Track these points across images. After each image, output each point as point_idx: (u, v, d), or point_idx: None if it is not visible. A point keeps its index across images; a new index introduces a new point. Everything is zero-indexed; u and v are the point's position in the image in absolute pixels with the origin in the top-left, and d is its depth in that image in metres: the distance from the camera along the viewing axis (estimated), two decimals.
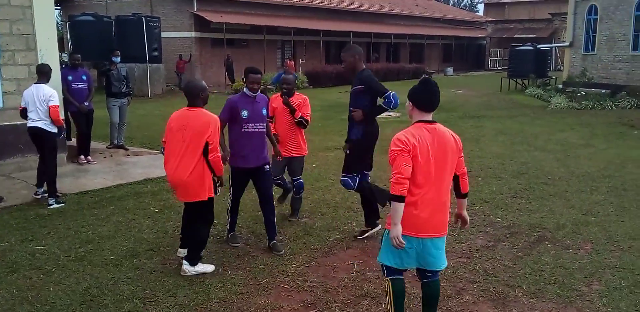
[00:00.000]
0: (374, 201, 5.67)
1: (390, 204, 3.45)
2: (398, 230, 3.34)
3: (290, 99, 6.02)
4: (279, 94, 6.15)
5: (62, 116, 7.23)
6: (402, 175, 3.33)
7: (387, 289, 3.67)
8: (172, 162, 4.68)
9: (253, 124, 5.20)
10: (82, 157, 9.13)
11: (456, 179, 3.62)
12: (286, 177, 6.40)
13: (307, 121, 6.07)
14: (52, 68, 7.26)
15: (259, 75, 5.21)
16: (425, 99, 3.51)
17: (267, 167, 5.39)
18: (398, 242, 3.34)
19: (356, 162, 5.51)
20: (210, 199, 4.79)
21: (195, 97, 4.68)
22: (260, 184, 5.41)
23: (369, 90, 5.31)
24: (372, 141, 5.55)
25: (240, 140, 5.21)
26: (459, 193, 3.72)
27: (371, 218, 5.72)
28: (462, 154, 3.60)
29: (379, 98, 5.35)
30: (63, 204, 6.74)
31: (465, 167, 3.68)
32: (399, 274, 3.64)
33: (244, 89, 5.27)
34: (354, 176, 5.52)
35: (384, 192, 5.58)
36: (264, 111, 5.34)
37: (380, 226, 5.68)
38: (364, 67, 5.44)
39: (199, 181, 4.64)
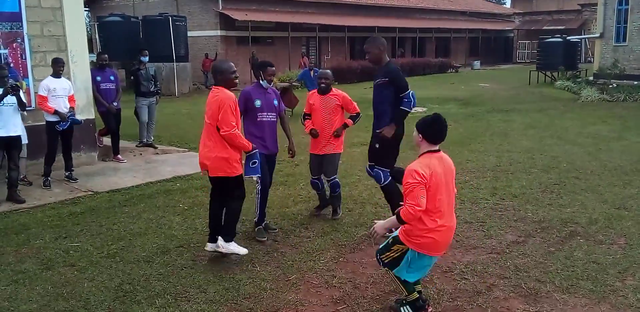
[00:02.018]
0: (393, 203, 5.61)
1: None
2: (384, 231, 3.87)
3: (327, 95, 6.00)
4: (314, 91, 6.15)
5: (57, 106, 7.57)
6: (420, 207, 3.58)
7: (393, 277, 3.95)
8: (201, 139, 4.92)
9: (266, 113, 5.49)
10: (120, 156, 9.30)
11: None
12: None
13: (359, 114, 6.12)
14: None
15: (274, 68, 5.57)
16: (437, 134, 3.79)
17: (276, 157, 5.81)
18: (375, 236, 3.92)
19: (389, 155, 5.49)
20: (238, 177, 4.88)
21: (215, 79, 4.88)
22: (267, 172, 5.65)
23: (392, 84, 5.26)
24: (400, 139, 5.52)
25: (257, 129, 5.46)
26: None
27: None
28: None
29: None
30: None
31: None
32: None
33: (260, 80, 5.54)
34: (387, 171, 5.50)
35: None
36: (275, 102, 5.60)
37: None
38: (389, 59, 5.42)
39: (221, 157, 4.76)
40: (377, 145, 5.49)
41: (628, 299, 4.16)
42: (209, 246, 5.10)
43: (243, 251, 4.99)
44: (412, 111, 5.52)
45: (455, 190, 3.92)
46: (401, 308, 3.98)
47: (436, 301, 4.20)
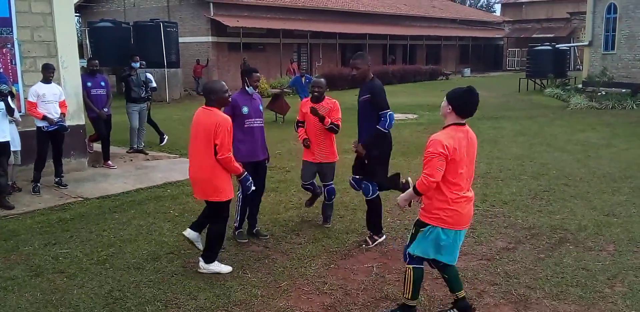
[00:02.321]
0: (373, 216, 5.61)
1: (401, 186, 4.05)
2: (407, 203, 3.87)
3: (321, 103, 5.92)
4: (308, 98, 6.10)
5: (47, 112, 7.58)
6: (434, 178, 3.59)
7: (408, 275, 3.92)
8: (190, 159, 4.88)
9: (254, 119, 5.53)
10: (110, 162, 9.27)
11: None
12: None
13: (337, 126, 5.96)
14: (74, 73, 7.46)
15: (259, 74, 5.65)
16: (467, 106, 3.71)
17: (267, 162, 5.88)
18: (401, 206, 3.90)
19: (380, 171, 5.44)
20: (226, 201, 4.83)
21: (208, 99, 4.76)
22: (259, 178, 5.63)
23: (373, 100, 5.24)
24: (389, 150, 5.52)
25: (245, 136, 5.45)
26: None
27: (377, 228, 5.64)
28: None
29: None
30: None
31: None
32: (421, 263, 3.95)
33: (246, 86, 5.55)
34: (375, 184, 5.48)
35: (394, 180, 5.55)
36: (261, 107, 5.66)
37: (385, 236, 5.66)
38: (372, 76, 5.38)
39: (211, 180, 4.71)
40: (366, 162, 5.48)
41: (617, 306, 4.19)
42: (187, 231, 5.01)
43: (226, 269, 4.91)
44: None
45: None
46: None
47: (427, 308, 4.21)
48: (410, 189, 3.79)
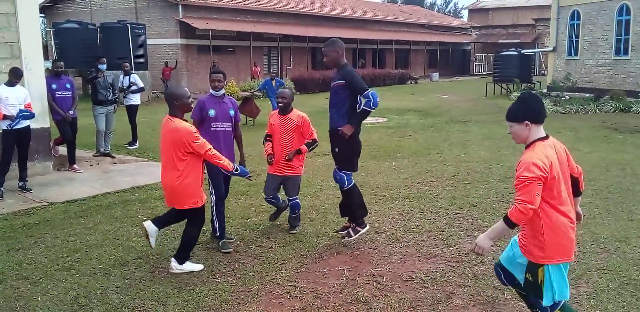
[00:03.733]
0: (354, 208, 5.62)
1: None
2: (489, 244, 3.41)
3: (288, 115, 5.84)
4: (276, 111, 6.00)
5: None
6: (533, 205, 3.17)
7: None
8: (162, 168, 4.87)
9: (220, 123, 5.45)
10: (76, 166, 9.10)
11: (575, 180, 3.53)
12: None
13: (315, 141, 5.93)
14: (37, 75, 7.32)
15: (219, 74, 5.46)
16: (542, 110, 3.37)
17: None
18: (481, 252, 3.40)
19: (351, 160, 5.49)
20: (194, 210, 4.87)
21: (172, 105, 4.76)
22: (226, 178, 5.65)
23: (349, 86, 5.26)
24: (358, 140, 5.51)
25: (211, 139, 5.33)
26: (577, 192, 3.58)
27: (359, 219, 5.63)
28: (570, 156, 3.53)
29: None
30: None
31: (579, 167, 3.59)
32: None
33: (210, 90, 5.52)
34: (350, 174, 5.51)
35: (362, 209, 5.63)
36: (231, 112, 5.56)
37: (368, 226, 5.69)
38: (345, 62, 5.42)
39: (182, 189, 4.73)
40: (337, 150, 5.48)
41: (582, 306, 4.28)
42: (148, 223, 4.98)
43: (198, 267, 4.96)
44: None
45: (579, 170, 3.57)
46: None
47: (397, 310, 4.23)
48: (498, 224, 3.33)
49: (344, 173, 5.48)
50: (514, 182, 3.28)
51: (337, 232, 5.83)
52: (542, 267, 3.32)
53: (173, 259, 4.93)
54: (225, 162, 4.89)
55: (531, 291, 3.47)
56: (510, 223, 3.21)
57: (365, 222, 5.68)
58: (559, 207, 3.28)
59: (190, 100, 4.82)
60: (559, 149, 3.38)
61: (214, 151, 4.81)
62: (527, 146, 3.36)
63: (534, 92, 3.46)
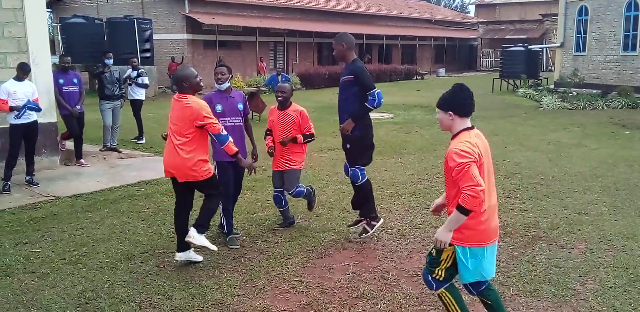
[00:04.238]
0: (364, 203, 5.62)
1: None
2: (449, 237, 3.32)
3: (286, 110, 5.79)
4: (275, 106, 5.97)
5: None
6: (481, 186, 3.16)
7: (447, 300, 3.57)
8: (166, 145, 4.91)
9: (229, 118, 5.44)
10: (82, 160, 9.14)
11: None
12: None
13: (312, 135, 5.89)
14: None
15: (223, 67, 5.46)
16: (468, 103, 3.42)
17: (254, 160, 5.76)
18: (443, 246, 3.35)
19: (363, 155, 5.49)
20: (208, 179, 4.88)
21: (181, 87, 4.81)
22: (236, 177, 5.63)
23: (357, 81, 5.23)
24: (372, 134, 5.51)
25: None
26: None
27: (373, 213, 5.63)
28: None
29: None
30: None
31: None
32: (446, 281, 3.56)
33: (215, 84, 5.51)
34: (363, 168, 5.51)
35: (372, 205, 5.63)
36: (240, 106, 5.52)
37: (382, 220, 5.70)
38: (355, 56, 5.37)
39: (190, 161, 4.76)
40: (348, 146, 5.47)
41: (589, 303, 4.27)
42: (178, 255, 5.02)
43: (213, 247, 4.96)
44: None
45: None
46: None
47: (403, 306, 4.23)
48: (452, 215, 3.28)
49: (357, 168, 5.48)
50: (454, 172, 3.25)
51: (349, 226, 5.85)
52: (452, 247, 3.39)
53: (192, 227, 4.87)
54: (230, 142, 4.83)
55: (428, 264, 3.57)
56: (464, 210, 3.20)
57: (379, 216, 5.70)
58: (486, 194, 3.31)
59: (198, 79, 4.85)
60: (484, 141, 3.45)
61: (219, 127, 4.75)
62: (453, 136, 3.43)
63: (464, 85, 3.49)
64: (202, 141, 4.85)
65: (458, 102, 3.40)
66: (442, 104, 3.44)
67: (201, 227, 4.91)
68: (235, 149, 4.89)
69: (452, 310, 3.58)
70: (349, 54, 5.36)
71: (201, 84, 4.90)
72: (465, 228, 3.33)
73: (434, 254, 3.51)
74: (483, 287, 3.58)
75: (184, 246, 4.98)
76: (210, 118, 4.73)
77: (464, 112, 3.40)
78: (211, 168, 4.96)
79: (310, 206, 6.25)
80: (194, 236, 4.85)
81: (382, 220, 5.70)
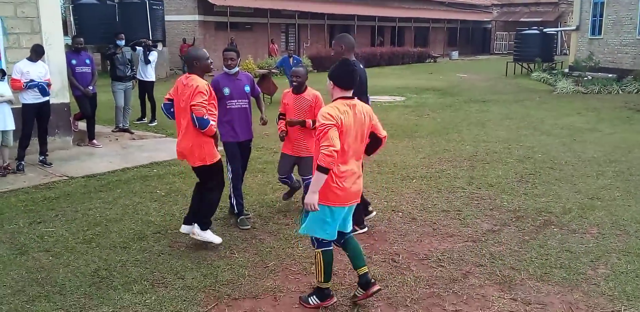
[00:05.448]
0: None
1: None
2: (315, 198, 3.62)
3: (302, 94, 5.65)
4: (290, 89, 5.86)
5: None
6: (335, 147, 3.54)
7: (318, 260, 3.91)
8: (178, 127, 4.91)
9: (235, 101, 5.46)
10: (95, 141, 9.20)
11: (379, 141, 3.99)
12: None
13: None
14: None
15: (232, 52, 5.46)
16: (344, 77, 3.78)
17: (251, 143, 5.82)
18: (313, 208, 3.63)
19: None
20: (213, 165, 4.87)
21: (191, 66, 4.83)
22: (242, 158, 5.67)
23: None
24: None
25: (227, 117, 5.41)
26: (369, 151, 4.02)
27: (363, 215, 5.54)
28: (376, 120, 3.94)
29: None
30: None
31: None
32: (329, 245, 3.92)
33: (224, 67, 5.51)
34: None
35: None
36: (247, 88, 5.54)
37: (375, 212, 5.71)
38: (354, 59, 5.18)
39: (196, 145, 4.76)
40: None
41: (600, 287, 4.26)
42: (183, 228, 5.11)
43: (218, 240, 4.98)
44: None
45: (385, 133, 3.98)
46: (309, 299, 3.99)
47: (413, 288, 4.25)
48: (315, 175, 3.60)
49: None
50: (317, 131, 3.63)
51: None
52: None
53: (196, 224, 4.96)
54: (212, 125, 4.72)
55: (305, 226, 3.91)
56: (323, 169, 3.55)
57: (371, 209, 5.69)
58: (342, 158, 3.67)
59: (209, 61, 4.86)
60: (362, 111, 3.79)
61: (204, 111, 4.63)
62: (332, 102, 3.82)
63: (349, 61, 3.89)
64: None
65: (338, 75, 3.78)
66: (329, 74, 3.85)
67: (204, 225, 4.96)
68: (215, 129, 4.85)
69: (318, 270, 3.94)
70: (347, 56, 5.18)
71: (212, 66, 4.91)
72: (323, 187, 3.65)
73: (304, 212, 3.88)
74: (346, 236, 4.03)
75: (189, 220, 5.08)
76: (201, 101, 4.61)
77: (341, 84, 3.77)
78: (215, 156, 4.85)
79: (289, 194, 6.21)
80: (198, 233, 4.94)
81: (374, 212, 5.70)
